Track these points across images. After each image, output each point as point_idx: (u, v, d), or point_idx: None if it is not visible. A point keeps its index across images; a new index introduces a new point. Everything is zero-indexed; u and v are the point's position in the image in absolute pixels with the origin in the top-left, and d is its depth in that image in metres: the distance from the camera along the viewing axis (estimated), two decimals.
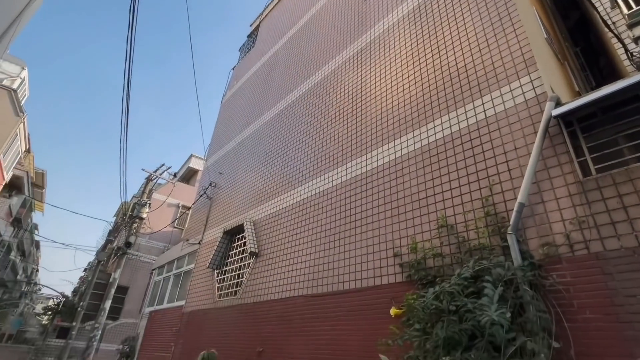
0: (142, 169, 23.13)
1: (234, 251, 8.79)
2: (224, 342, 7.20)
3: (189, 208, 16.46)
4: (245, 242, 8.26)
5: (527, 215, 3.64)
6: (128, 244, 18.65)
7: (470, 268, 3.52)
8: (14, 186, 24.67)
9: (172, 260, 12.30)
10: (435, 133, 5.07)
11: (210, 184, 11.70)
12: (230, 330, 7.32)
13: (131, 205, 21.06)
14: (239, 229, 8.70)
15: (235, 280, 8.12)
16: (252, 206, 8.81)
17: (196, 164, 24.59)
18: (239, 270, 8.20)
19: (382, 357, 3.31)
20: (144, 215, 19.49)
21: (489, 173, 4.17)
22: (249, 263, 7.84)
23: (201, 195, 11.95)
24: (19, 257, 34.45)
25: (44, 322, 20.76)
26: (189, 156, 26.10)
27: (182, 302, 9.82)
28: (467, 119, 4.73)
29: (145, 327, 11.47)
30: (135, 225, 19.33)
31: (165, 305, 11.13)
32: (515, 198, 3.71)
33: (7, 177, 22.31)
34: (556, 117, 3.61)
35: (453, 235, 4.17)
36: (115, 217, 25.17)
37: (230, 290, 8.13)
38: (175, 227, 20.58)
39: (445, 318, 3.30)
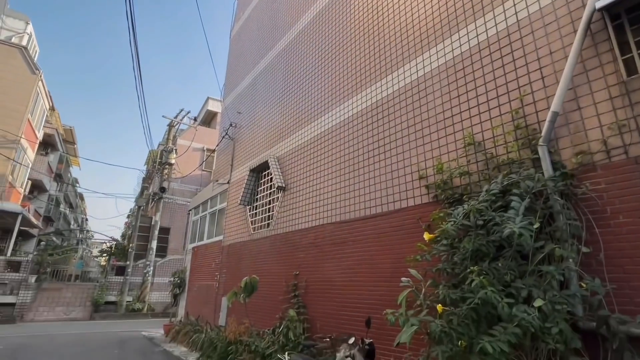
0: (163, 116, 23.35)
1: (262, 187, 9.09)
2: (263, 269, 7.83)
3: (213, 151, 16.81)
4: (272, 178, 8.48)
5: (560, 125, 3.45)
6: (162, 189, 19.71)
7: (499, 183, 3.48)
8: (48, 144, 25.79)
9: (205, 200, 12.95)
10: (460, 45, 4.68)
11: (231, 125, 11.73)
12: (266, 258, 7.90)
13: (159, 153, 21.77)
14: (264, 165, 8.88)
15: (267, 214, 8.53)
16: (275, 142, 8.86)
17: (214, 107, 24.48)
18: (269, 204, 8.56)
19: (412, 271, 3.49)
20: (172, 161, 20.22)
21: (519, 83, 3.90)
22: (278, 197, 8.13)
23: (223, 137, 12.08)
24: (68, 209, 37.41)
25: (102, 263, 23.14)
26: (205, 99, 25.92)
27: (221, 237, 10.55)
28: (495, 25, 4.30)
29: (190, 261, 12.57)
30: (165, 171, 20.18)
31: (205, 241, 12.01)
32: (548, 108, 3.49)
33: (40, 135, 23.23)
34: (600, 9, 3.20)
35: (480, 153, 4.07)
36: (146, 165, 26.26)
37: (263, 223, 8.59)
38: (203, 170, 21.31)
39: (473, 232, 3.38)
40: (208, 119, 26.10)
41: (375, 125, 5.79)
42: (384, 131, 5.58)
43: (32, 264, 17.21)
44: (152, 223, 19.41)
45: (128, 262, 18.80)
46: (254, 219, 9.07)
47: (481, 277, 2.91)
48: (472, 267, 3.06)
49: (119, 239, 26.62)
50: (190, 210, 14.39)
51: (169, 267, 19.19)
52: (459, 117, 4.47)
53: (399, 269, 4.57)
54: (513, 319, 2.72)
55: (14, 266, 16.61)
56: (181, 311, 12.17)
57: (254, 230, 8.86)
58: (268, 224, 8.33)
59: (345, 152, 6.32)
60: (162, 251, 19.65)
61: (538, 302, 2.66)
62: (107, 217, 41.40)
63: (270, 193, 8.63)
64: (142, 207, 21.50)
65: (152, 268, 18.64)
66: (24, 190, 22.09)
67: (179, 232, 20.17)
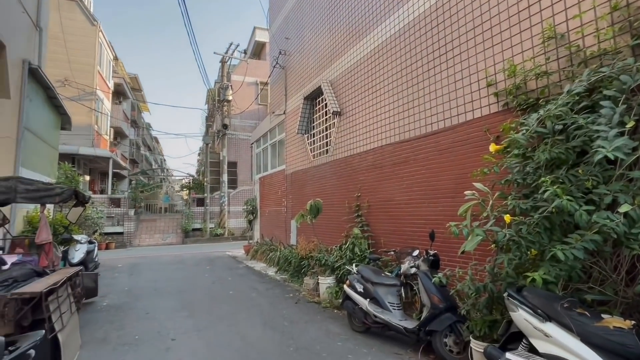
0: (214, 52, 23.47)
1: (318, 114, 9.05)
2: (325, 193, 8.18)
3: (266, 83, 16.81)
4: (326, 104, 8.36)
5: None
6: (224, 126, 20.66)
7: (584, 80, 3.02)
8: (119, 93, 27.83)
9: (264, 133, 13.38)
10: None
11: (280, 53, 11.44)
12: (328, 182, 8.18)
13: (216, 91, 22.40)
14: (318, 92, 8.72)
15: (325, 141, 8.61)
16: (326, 66, 8.53)
17: (262, 37, 23.82)
18: (326, 130, 8.58)
19: (478, 185, 3.37)
20: (230, 98, 20.75)
21: None
22: (334, 122, 8.08)
23: (274, 67, 11.91)
24: (148, 152, 41.55)
25: (183, 197, 25.98)
26: (252, 30, 25.21)
27: (283, 167, 11.05)
28: None
29: (259, 191, 13.55)
30: (225, 108, 20.91)
31: (270, 171, 12.71)
32: None
33: (111, 85, 25.04)
34: None
35: (563, 47, 3.51)
36: (206, 104, 27.39)
37: (322, 149, 8.73)
38: (259, 104, 21.66)
39: (549, 140, 3.08)
40: (257, 51, 25.66)
41: (434, 32, 5.21)
42: (444, 37, 5.01)
43: (129, 200, 19.97)
44: (221, 158, 20.86)
45: (205, 195, 20.92)
46: (312, 146, 9.24)
47: (555, 187, 2.72)
48: (545, 177, 2.85)
49: (195, 174, 29.29)
50: (253, 143, 15.06)
51: (241, 196, 20.95)
52: (537, 6, 3.80)
53: (461, 185, 4.44)
54: (592, 226, 2.57)
55: (115, 202, 19.46)
56: (256, 234, 13.54)
57: (313, 158, 9.09)
58: (327, 150, 8.45)
59: (402, 66, 5.88)
60: (232, 183, 21.36)
61: (624, 208, 2.44)
62: (180, 155, 45.29)
63: (326, 119, 8.59)
64: (209, 145, 23.03)
65: (226, 198, 20.56)
66: (110, 137, 24.75)
67: (246, 165, 21.49)
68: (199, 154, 42.51)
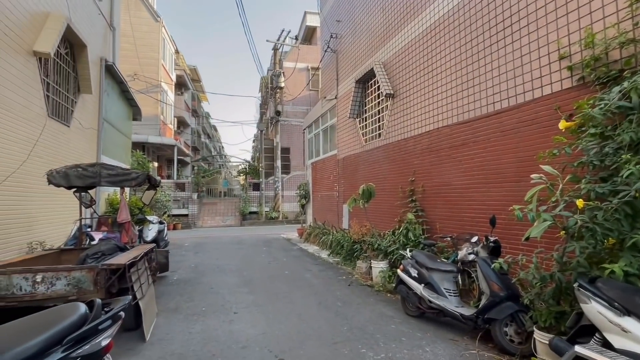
0: (267, 40, 23.93)
1: (370, 97, 8.91)
2: (378, 177, 8.10)
3: (317, 68, 16.83)
4: (379, 86, 8.19)
5: None
6: (277, 113, 21.18)
7: None
8: (180, 84, 29.68)
9: (316, 119, 13.50)
10: None
11: (331, 36, 11.35)
12: (381, 167, 8.08)
13: (269, 78, 22.94)
14: (370, 74, 8.55)
15: (377, 124, 8.48)
16: (378, 47, 8.31)
17: (313, 21, 23.74)
18: (379, 114, 8.43)
19: (546, 168, 3.12)
20: (282, 84, 21.13)
21: None
22: (387, 105, 7.90)
23: (325, 51, 11.86)
24: (207, 139, 44.08)
25: (240, 182, 27.31)
26: (303, 15, 25.21)
27: (335, 151, 11.11)
28: None
29: (311, 175, 13.80)
30: (277, 95, 21.37)
31: (322, 156, 12.85)
32: None
33: (173, 77, 26.76)
34: None
35: None
36: (260, 92, 28.21)
37: (374, 133, 8.62)
38: (310, 90, 21.79)
39: (634, 116, 2.75)
40: (308, 36, 25.67)
41: (497, 3, 4.82)
42: (510, 7, 4.62)
43: (192, 185, 21.51)
44: (274, 144, 21.52)
45: (260, 180, 21.82)
46: (364, 130, 9.15)
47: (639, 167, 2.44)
48: (626, 156, 2.56)
49: (250, 160, 30.58)
50: (305, 129, 15.28)
51: (294, 181, 21.52)
52: None
53: (526, 168, 4.14)
54: None
55: (180, 186, 21.10)
56: (309, 218, 13.88)
57: (365, 142, 9.01)
58: (379, 134, 8.32)
59: (461, 42, 5.55)
60: (286, 169, 21.98)
61: None
62: (237, 142, 47.51)
63: (378, 102, 8.43)
64: (263, 131, 23.81)
65: (280, 183, 21.26)
66: (174, 126, 26.64)
67: (298, 150, 21.94)
68: (253, 141, 44.11)
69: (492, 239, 3.90)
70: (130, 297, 2.46)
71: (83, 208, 5.98)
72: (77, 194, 5.74)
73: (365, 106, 9.16)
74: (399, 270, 4.87)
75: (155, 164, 23.72)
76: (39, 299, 3.44)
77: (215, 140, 53.70)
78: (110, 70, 10.35)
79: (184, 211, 20.03)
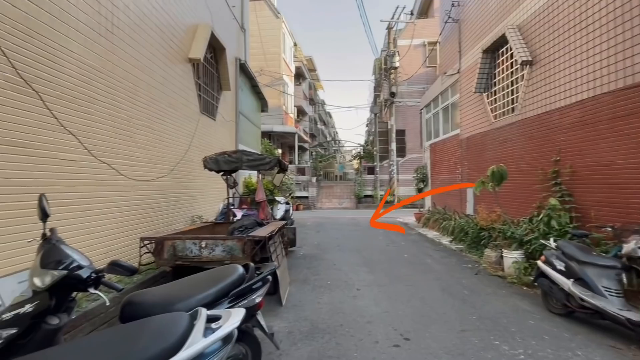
0: (381, 20, 23.42)
1: (500, 68, 7.93)
2: (510, 157, 7.23)
3: (435, 42, 15.72)
4: (512, 54, 7.22)
5: None
6: (392, 94, 20.73)
7: None
8: (298, 75, 31.68)
9: (435, 97, 12.73)
10: None
11: (453, 4, 10.43)
12: (514, 145, 7.18)
13: (382, 59, 22.53)
14: (501, 41, 7.59)
15: (510, 98, 7.53)
16: (511, 9, 7.28)
17: None
18: (512, 85, 7.46)
19: None
20: (397, 64, 20.52)
21: None
22: (523, 75, 6.92)
23: (446, 22, 10.99)
24: (323, 126, 46.22)
25: (354, 166, 27.96)
26: None
27: (457, 131, 10.33)
28: None
29: (429, 158, 13.18)
30: (392, 76, 20.87)
31: (441, 137, 12.12)
32: None
33: (292, 69, 28.71)
34: None
35: None
36: (373, 75, 27.99)
37: (506, 108, 7.68)
38: (427, 67, 20.57)
39: None
40: (425, 9, 24.08)
41: None
42: None
43: (311, 169, 23.03)
44: (389, 127, 21.20)
45: (375, 163, 21.90)
46: (493, 105, 8.24)
47: None
48: None
49: (364, 144, 30.88)
50: (422, 109, 14.60)
51: (410, 164, 20.90)
52: None
53: None
54: None
55: (301, 171, 22.83)
56: (427, 202, 13.35)
57: (494, 118, 8.11)
58: (512, 108, 7.38)
59: None
60: (401, 151, 21.45)
61: None
62: (351, 127, 48.51)
63: (511, 72, 7.45)
64: (377, 114, 23.68)
65: (395, 167, 20.93)
66: (294, 115, 28.76)
67: (414, 132, 21.12)
68: (367, 125, 44.31)
69: None
70: (276, 264, 2.83)
71: (228, 189, 7.06)
72: (224, 177, 6.79)
73: (495, 78, 8.20)
74: (539, 262, 4.32)
75: (279, 151, 26.14)
76: (204, 260, 4.26)
77: (330, 126, 55.88)
78: (242, 68, 11.74)
79: (304, 193, 21.63)
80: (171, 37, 6.68)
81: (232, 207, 7.87)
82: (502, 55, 7.79)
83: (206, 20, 8.43)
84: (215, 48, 9.25)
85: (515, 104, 7.24)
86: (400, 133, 21.38)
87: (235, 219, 6.80)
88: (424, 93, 16.01)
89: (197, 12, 7.93)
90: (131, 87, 5.29)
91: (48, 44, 3.71)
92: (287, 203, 10.08)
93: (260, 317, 2.65)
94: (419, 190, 14.38)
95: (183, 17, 7.22)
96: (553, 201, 5.51)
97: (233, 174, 7.26)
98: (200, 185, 8.05)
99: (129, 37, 5.25)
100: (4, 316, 1.84)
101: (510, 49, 7.25)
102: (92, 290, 1.99)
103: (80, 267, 1.97)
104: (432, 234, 10.09)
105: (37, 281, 1.91)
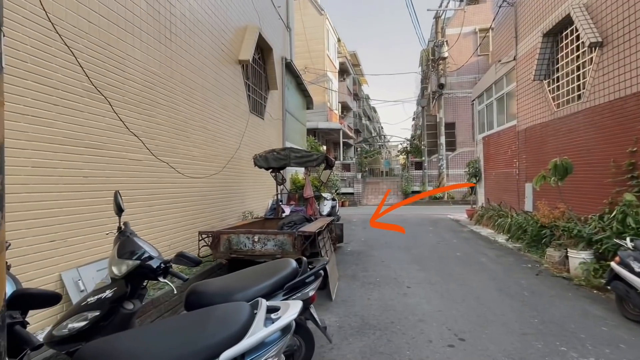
0: (427, 9, 22.57)
1: (564, 52, 7.30)
2: (575, 149, 6.64)
3: (488, 29, 14.80)
4: (578, 36, 6.61)
5: None
6: (440, 86, 19.95)
7: None
8: (342, 71, 31.55)
9: (488, 87, 12.04)
10: None
11: None
12: (580, 136, 6.58)
13: (429, 50, 21.72)
14: (564, 22, 6.97)
15: (575, 84, 6.91)
16: None
17: None
18: (577, 70, 6.84)
19: None
20: (445, 54, 19.69)
21: None
22: (591, 58, 6.31)
23: (500, 6, 10.33)
24: (368, 121, 45.73)
25: (400, 161, 27.35)
26: None
27: (513, 122, 9.70)
28: None
29: (482, 151, 12.50)
30: (440, 67, 20.07)
31: (495, 129, 11.44)
32: None
33: (336, 65, 28.67)
34: None
35: None
36: (420, 67, 27.07)
37: (571, 96, 7.06)
38: (478, 55, 19.49)
39: None
40: None
41: None
42: None
43: (356, 165, 22.90)
44: (437, 120, 20.42)
45: (423, 158, 21.22)
46: (555, 93, 7.61)
47: None
48: None
49: (411, 139, 30.07)
50: (474, 100, 13.89)
51: (460, 159, 19.99)
52: None
53: None
54: None
55: (346, 167, 22.78)
56: (480, 198, 12.70)
57: (557, 107, 7.50)
58: (578, 95, 6.77)
59: None
60: (451, 145, 20.56)
61: None
62: (397, 121, 47.49)
63: (577, 56, 6.83)
64: (424, 107, 22.91)
65: (444, 161, 20.14)
66: (338, 112, 28.74)
67: (464, 125, 20.15)
68: (413, 118, 43.09)
69: None
70: (328, 259, 2.87)
71: (277, 185, 7.25)
72: (273, 174, 6.99)
73: (557, 64, 7.56)
74: (613, 264, 3.94)
75: (324, 147, 26.29)
76: (257, 254, 4.43)
77: (375, 121, 55.10)
78: (288, 67, 11.96)
79: (350, 190, 21.59)
80: (222, 40, 6.97)
81: (280, 203, 8.08)
82: (566, 38, 7.16)
83: (254, 21, 8.69)
84: (262, 48, 9.51)
85: (581, 91, 6.63)
86: (450, 126, 20.51)
87: (284, 214, 6.98)
88: (476, 83, 15.19)
89: (245, 14, 8.20)
90: (187, 90, 5.62)
91: (116, 53, 4.05)
92: (333, 199, 10.14)
93: (313, 310, 2.71)
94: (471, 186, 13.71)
95: (232, 20, 7.51)
96: (629, 197, 4.98)
97: (281, 171, 7.44)
98: (250, 182, 8.36)
99: (185, 43, 5.57)
100: (89, 299, 2.06)
101: (576, 31, 6.64)
102: (161, 280, 2.16)
103: (151, 257, 2.15)
104: (485, 231, 9.59)
105: (115, 269, 2.11)
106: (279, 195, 8.76)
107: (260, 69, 9.54)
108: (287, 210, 7.26)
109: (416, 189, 21.06)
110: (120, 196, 2.42)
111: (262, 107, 9.54)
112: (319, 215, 6.92)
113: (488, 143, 11.94)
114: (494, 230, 9.34)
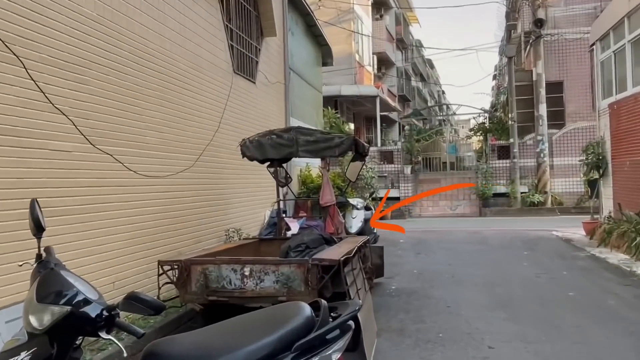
0: None
1: None
2: None
3: None
4: None
5: None
6: (539, 22, 19.64)
7: None
8: (378, 3, 31.47)
9: (617, 22, 11.82)
10: None
11: None
12: None
13: None
14: None
15: None
16: None
17: None
18: None
19: None
20: None
21: None
22: None
23: None
24: (420, 82, 45.51)
25: (475, 146, 27.05)
26: None
27: None
28: None
29: (609, 126, 12.29)
30: None
31: (632, 90, 11.22)
32: None
33: None
34: None
35: None
36: None
37: None
38: None
39: None
40: None
41: None
42: None
43: (403, 153, 22.80)
44: (534, 79, 20.14)
45: (511, 140, 20.93)
46: None
47: None
48: None
49: (490, 110, 29.76)
50: (593, 44, 13.68)
51: (572, 140, 19.66)
52: None
53: None
54: None
55: (387, 157, 22.77)
56: (606, 203, 12.49)
57: None
58: None
59: None
60: (556, 119, 20.23)
61: None
62: (467, 82, 46.87)
63: None
64: (512, 59, 22.60)
65: (546, 145, 19.82)
66: (373, 68, 28.74)
67: (578, 84, 19.77)
68: (494, 77, 42.62)
69: None
70: (361, 302, 2.88)
71: (278, 187, 7.31)
72: (271, 169, 7.05)
73: None
74: None
75: (352, 126, 26.22)
76: (248, 296, 4.49)
77: (432, 82, 54.81)
78: (293, 2, 12.04)
79: (393, 193, 21.48)
80: None
81: (284, 214, 8.12)
82: None
83: None
84: None
85: None
86: (555, 88, 20.23)
87: (290, 232, 7.04)
88: (597, 17, 14.89)
89: None
90: (138, 42, 5.74)
91: None
92: (367, 208, 10.15)
93: None
94: (589, 184, 13.49)
95: None
96: None
97: (284, 165, 7.48)
98: (237, 183, 8.47)
99: None
100: None
101: None
102: (103, 336, 2.21)
103: (87, 301, 2.19)
104: (618, 256, 9.48)
105: (34, 320, 2.16)
106: (282, 203, 8.82)
107: (249, 4, 9.64)
108: (295, 227, 7.32)
109: (500, 190, 20.80)
110: (40, 207, 2.48)
111: (254, 64, 9.65)
112: (344, 233, 6.95)
113: (618, 113, 11.74)
114: (630, 256, 9.22)
